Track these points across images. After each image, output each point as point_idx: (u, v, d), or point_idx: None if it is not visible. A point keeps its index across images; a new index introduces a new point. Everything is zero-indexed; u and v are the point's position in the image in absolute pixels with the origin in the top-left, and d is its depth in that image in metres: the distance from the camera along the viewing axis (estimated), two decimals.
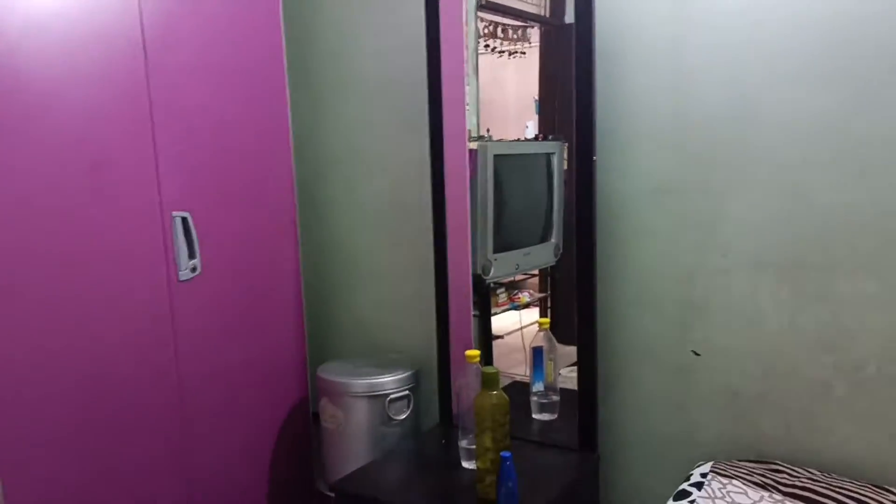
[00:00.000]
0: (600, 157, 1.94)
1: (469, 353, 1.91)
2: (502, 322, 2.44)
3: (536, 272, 2.48)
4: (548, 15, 2.44)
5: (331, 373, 2.27)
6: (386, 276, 2.51)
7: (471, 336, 2.28)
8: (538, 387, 2.17)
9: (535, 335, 2.16)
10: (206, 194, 2.05)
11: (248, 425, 2.24)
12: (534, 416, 2.18)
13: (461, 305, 2.26)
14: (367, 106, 2.45)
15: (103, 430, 1.84)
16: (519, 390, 2.21)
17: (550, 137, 2.34)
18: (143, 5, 1.88)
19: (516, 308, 2.52)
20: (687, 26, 1.84)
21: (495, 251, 2.28)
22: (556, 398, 2.17)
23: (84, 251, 1.78)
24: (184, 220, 1.98)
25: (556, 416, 2.16)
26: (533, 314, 2.43)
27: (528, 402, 2.18)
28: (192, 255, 2.01)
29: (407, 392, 2.24)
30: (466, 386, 1.89)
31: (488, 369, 1.79)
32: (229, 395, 2.17)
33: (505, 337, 2.47)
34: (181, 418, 2.03)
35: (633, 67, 1.93)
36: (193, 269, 2.01)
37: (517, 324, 2.43)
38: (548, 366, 2.16)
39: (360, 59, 2.44)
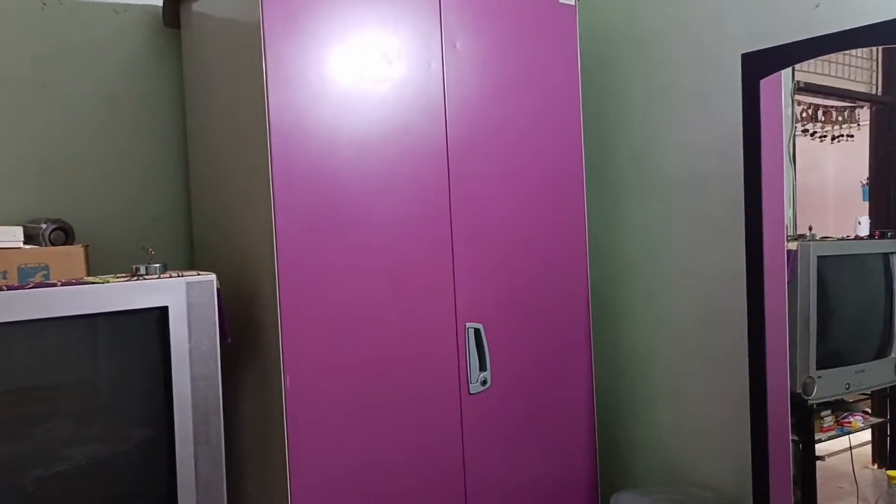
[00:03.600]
0: None
1: None
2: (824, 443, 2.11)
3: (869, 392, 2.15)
4: (880, 92, 2.18)
5: None
6: (688, 396, 2.27)
7: (789, 466, 1.97)
8: None
9: (886, 490, 1.77)
10: (499, 306, 2.02)
11: None
12: None
13: (777, 430, 1.97)
14: (669, 208, 2.30)
15: None
16: None
17: (889, 234, 2.06)
18: (449, 115, 1.92)
19: (846, 433, 2.16)
20: None
21: (819, 367, 2.00)
22: None
23: (385, 358, 1.82)
24: (476, 331, 1.95)
25: None
26: (862, 434, 2.11)
27: None
28: (482, 368, 1.97)
29: None
30: None
31: None
32: None
33: (826, 459, 2.13)
34: None
35: None
36: (484, 382, 1.97)
37: (840, 444, 2.10)
38: None
39: (665, 158, 2.30)
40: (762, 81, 1.82)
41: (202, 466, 1.59)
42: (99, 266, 1.79)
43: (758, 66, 1.82)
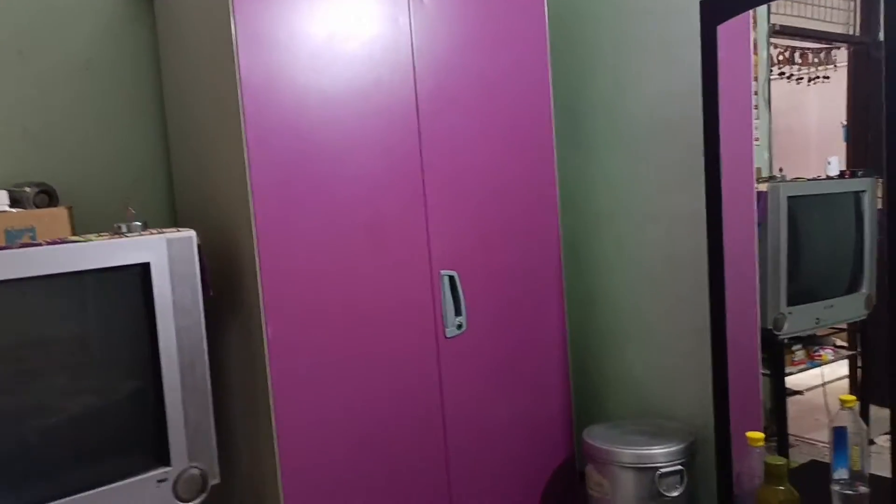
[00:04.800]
0: None
1: (751, 435, 1.70)
2: (801, 377, 2.22)
3: (844, 325, 2.24)
4: (857, 33, 2.21)
5: (597, 438, 2.16)
6: (658, 335, 2.34)
7: (759, 399, 2.08)
8: (840, 474, 1.84)
9: (838, 413, 1.85)
10: (472, 252, 2.07)
11: (513, 484, 2.19)
12: None
13: (746, 364, 2.05)
14: (639, 155, 2.33)
15: (374, 479, 1.91)
16: (818, 472, 1.91)
17: (860, 173, 2.12)
18: (418, 69, 1.96)
19: (816, 366, 2.24)
20: None
21: (790, 304, 2.08)
22: (864, 490, 1.81)
23: (361, 308, 1.88)
24: (451, 278, 2.01)
25: None
26: (840, 368, 2.20)
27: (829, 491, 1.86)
28: (458, 313, 2.03)
29: (680, 467, 2.05)
30: (748, 471, 1.68)
31: (774, 460, 1.57)
32: (495, 452, 2.15)
33: (805, 393, 2.23)
34: (448, 471, 2.05)
35: None
36: (459, 326, 2.04)
37: (819, 378, 2.20)
38: (854, 451, 1.83)
39: (633, 106, 2.33)
40: (720, 27, 1.85)
41: (190, 412, 1.67)
42: (83, 227, 1.85)
43: (714, 12, 1.84)
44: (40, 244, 1.53)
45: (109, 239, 1.60)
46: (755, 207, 2.05)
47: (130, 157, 2.12)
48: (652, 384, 2.37)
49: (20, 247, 1.50)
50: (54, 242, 1.54)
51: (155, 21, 2.13)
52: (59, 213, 1.80)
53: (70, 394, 1.62)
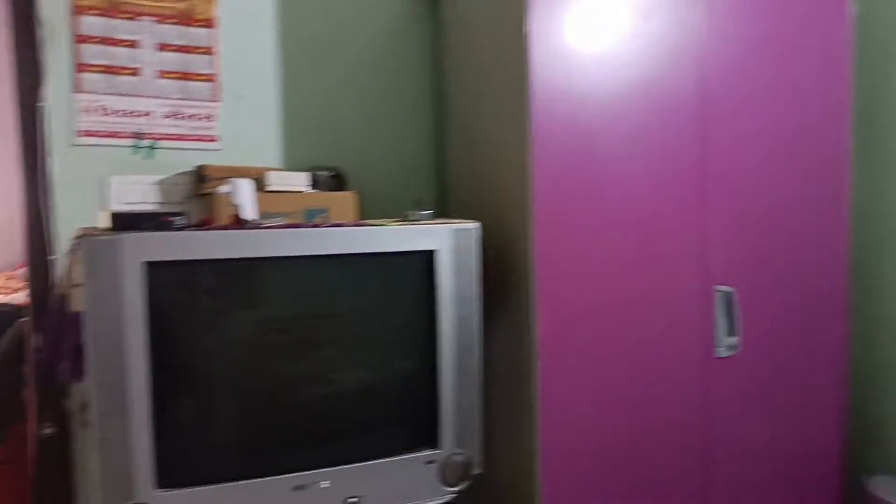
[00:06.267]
0: None
1: None
2: None
3: None
4: None
5: (888, 492, 1.91)
6: None
7: None
8: None
9: None
10: (752, 270, 1.93)
11: None
12: None
13: None
14: None
15: (630, 491, 1.85)
16: None
17: None
18: (705, 71, 1.87)
19: None
20: None
21: None
22: None
23: (629, 315, 1.82)
24: (727, 295, 1.89)
25: None
26: None
27: None
28: (731, 332, 1.90)
29: None
30: None
31: None
32: (755, 485, 1.99)
33: None
34: (706, 498, 1.93)
35: None
36: (732, 347, 1.90)
37: None
38: None
39: None
40: None
41: (462, 399, 1.71)
42: (364, 210, 1.96)
43: None
44: (343, 225, 1.63)
45: (402, 225, 1.67)
46: None
47: (407, 146, 2.23)
48: None
49: (331, 226, 1.60)
50: (356, 225, 1.64)
51: (438, 20, 2.21)
52: (349, 197, 1.92)
53: (348, 366, 1.71)
